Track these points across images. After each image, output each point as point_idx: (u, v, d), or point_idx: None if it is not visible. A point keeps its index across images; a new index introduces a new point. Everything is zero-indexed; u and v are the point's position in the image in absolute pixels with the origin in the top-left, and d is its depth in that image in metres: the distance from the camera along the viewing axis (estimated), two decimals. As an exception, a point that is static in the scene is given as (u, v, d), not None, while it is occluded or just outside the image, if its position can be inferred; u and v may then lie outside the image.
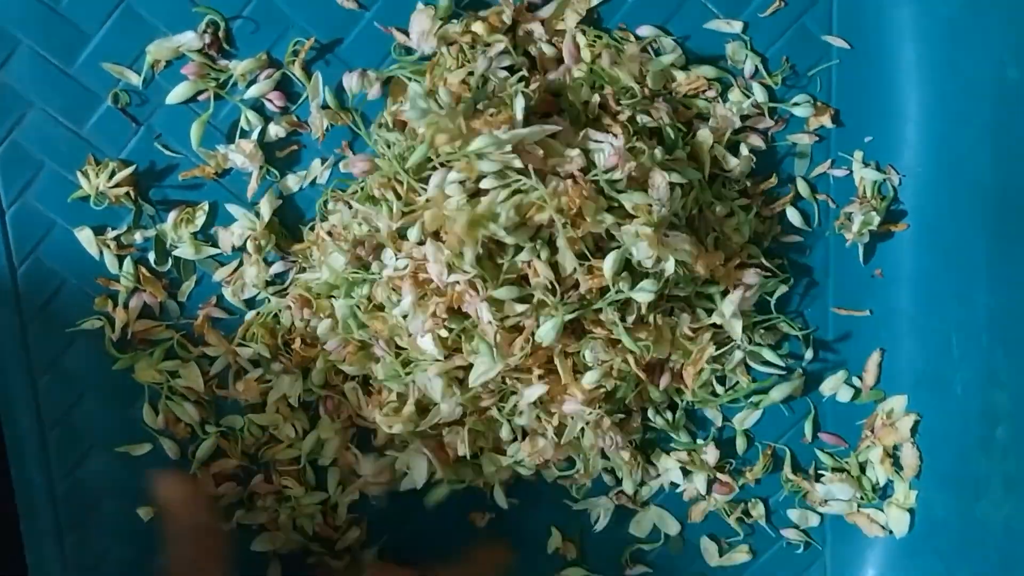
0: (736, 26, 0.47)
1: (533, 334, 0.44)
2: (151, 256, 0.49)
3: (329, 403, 0.49)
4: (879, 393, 0.51)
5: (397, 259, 0.44)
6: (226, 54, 0.47)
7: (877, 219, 0.48)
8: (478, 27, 0.46)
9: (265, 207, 0.48)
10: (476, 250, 0.42)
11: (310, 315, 0.47)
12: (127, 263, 0.48)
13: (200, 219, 0.48)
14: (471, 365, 0.44)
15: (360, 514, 0.51)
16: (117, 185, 0.47)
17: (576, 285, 0.44)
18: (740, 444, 0.51)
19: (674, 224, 0.45)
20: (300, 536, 0.50)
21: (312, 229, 0.48)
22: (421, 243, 0.44)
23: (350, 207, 0.47)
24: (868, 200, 0.49)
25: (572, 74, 0.46)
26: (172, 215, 0.48)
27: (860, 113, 0.49)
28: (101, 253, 0.48)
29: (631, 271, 0.44)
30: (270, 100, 0.47)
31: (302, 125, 0.48)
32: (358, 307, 0.46)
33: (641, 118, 0.45)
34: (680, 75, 0.47)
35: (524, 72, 0.45)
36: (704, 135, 0.47)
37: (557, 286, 0.43)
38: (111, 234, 0.48)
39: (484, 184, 0.43)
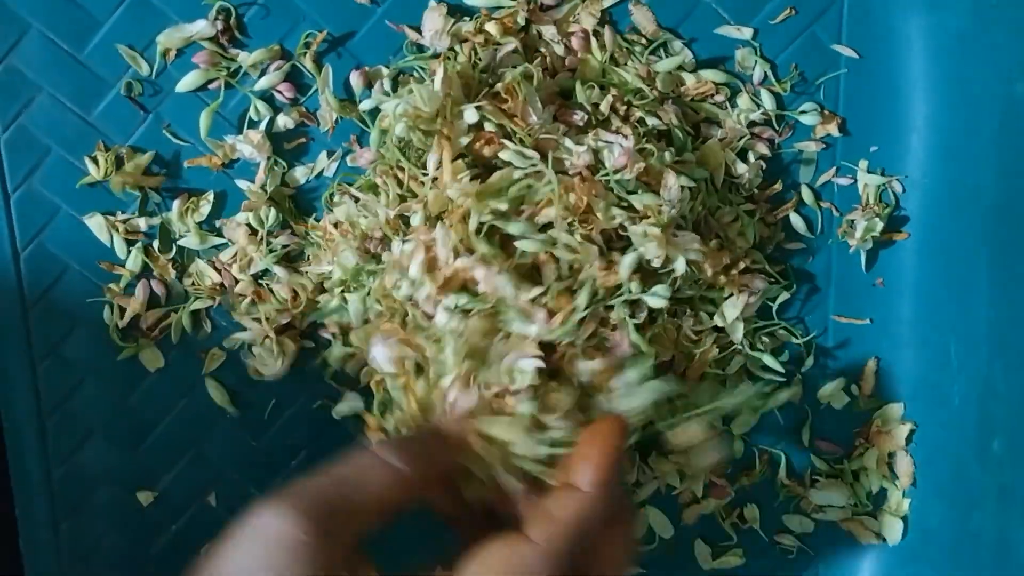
0: (746, 32, 0.48)
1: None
2: (155, 244, 0.49)
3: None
4: (876, 401, 0.52)
5: (404, 242, 0.44)
6: (237, 44, 0.47)
7: (880, 225, 0.49)
8: (491, 27, 0.46)
9: (270, 182, 0.48)
10: (479, 222, 0.42)
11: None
12: (135, 249, 0.48)
13: (205, 208, 0.48)
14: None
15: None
16: (145, 173, 0.48)
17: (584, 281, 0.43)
18: (737, 448, 0.52)
19: (680, 226, 0.45)
20: None
21: (319, 221, 0.48)
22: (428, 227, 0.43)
23: (357, 201, 0.47)
24: (871, 207, 0.49)
25: (584, 67, 0.46)
26: (177, 204, 0.48)
27: (866, 122, 0.49)
28: (111, 239, 0.48)
29: (641, 271, 0.44)
30: (280, 91, 0.47)
31: (311, 117, 0.48)
32: (369, 295, 0.46)
33: (650, 120, 0.46)
34: (690, 79, 0.48)
35: (531, 68, 0.45)
36: (714, 142, 0.47)
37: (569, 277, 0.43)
38: (120, 217, 0.48)
39: (502, 156, 0.43)
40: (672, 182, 0.43)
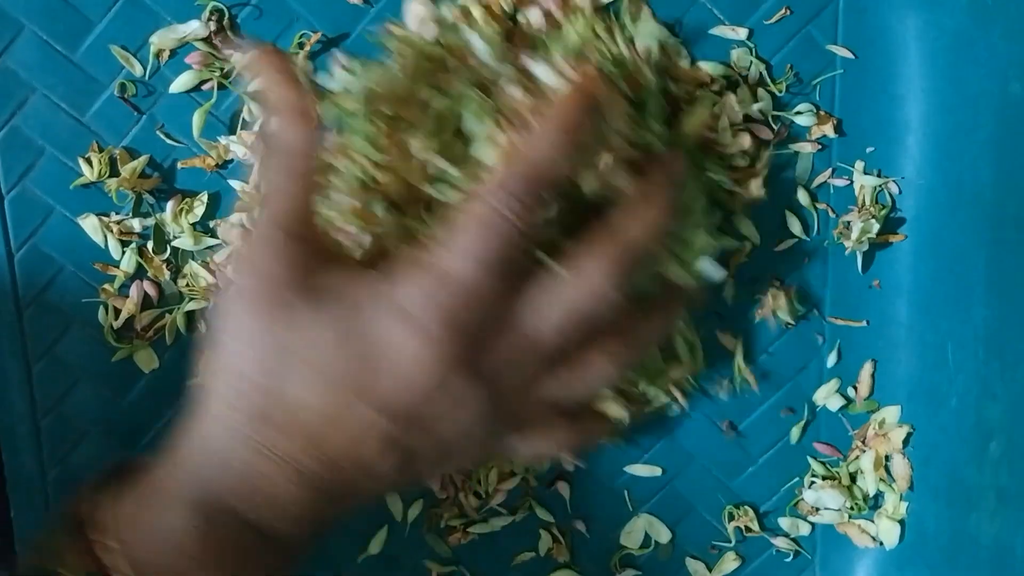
0: (741, 33, 0.47)
1: None
2: (149, 245, 0.49)
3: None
4: (872, 403, 0.52)
5: None
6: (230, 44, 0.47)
7: (876, 227, 0.48)
8: (476, 11, 0.45)
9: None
10: None
11: None
12: (130, 250, 0.48)
13: (199, 209, 0.48)
14: None
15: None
16: (140, 176, 0.48)
17: None
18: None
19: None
20: None
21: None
22: None
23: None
24: (867, 209, 0.49)
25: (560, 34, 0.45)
26: (171, 205, 0.48)
27: (862, 123, 0.49)
28: (106, 240, 0.48)
29: None
30: (273, 93, 0.47)
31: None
32: None
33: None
34: (683, 63, 0.47)
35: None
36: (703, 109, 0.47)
37: None
38: (114, 218, 0.48)
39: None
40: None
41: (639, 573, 0.53)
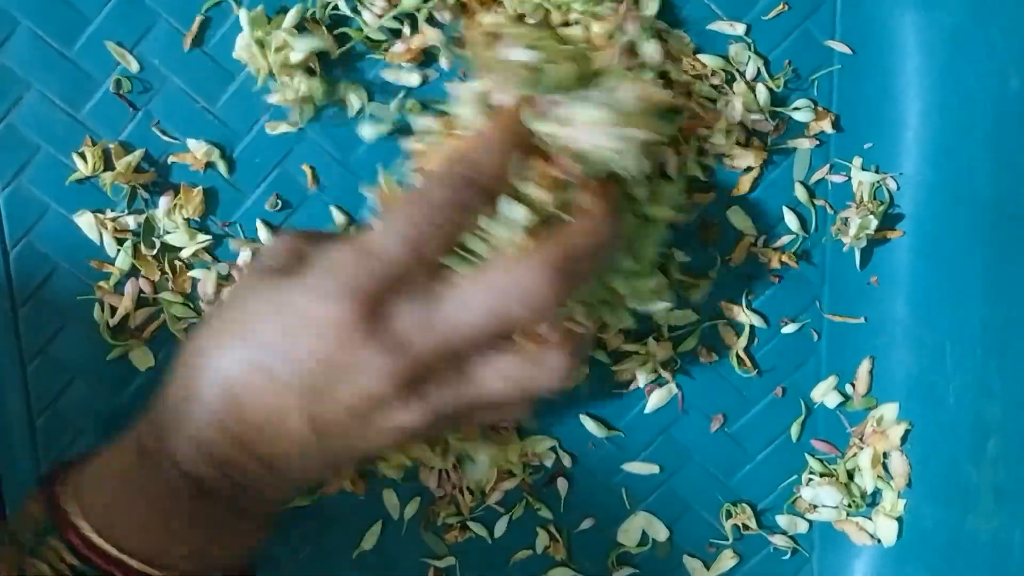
0: (739, 28, 0.47)
1: None
2: (140, 242, 0.49)
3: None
4: (870, 400, 0.51)
5: None
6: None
7: (874, 223, 0.48)
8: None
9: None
10: None
11: None
12: (125, 247, 0.48)
13: (194, 206, 0.48)
14: None
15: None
16: (136, 171, 0.48)
17: None
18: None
19: None
20: None
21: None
22: None
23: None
24: (865, 205, 0.49)
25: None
26: (164, 200, 0.48)
27: (860, 119, 0.48)
28: (101, 237, 0.48)
29: None
30: (269, 89, 0.47)
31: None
32: None
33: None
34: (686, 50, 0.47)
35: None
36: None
37: None
38: (109, 215, 0.48)
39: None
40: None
41: (636, 571, 0.53)
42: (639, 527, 0.52)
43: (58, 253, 0.49)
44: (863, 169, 0.49)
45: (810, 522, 0.53)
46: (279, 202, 0.49)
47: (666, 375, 0.50)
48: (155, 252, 0.49)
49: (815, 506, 0.52)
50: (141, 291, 0.49)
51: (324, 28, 0.46)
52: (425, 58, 0.47)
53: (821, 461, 0.52)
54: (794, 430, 0.52)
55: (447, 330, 0.40)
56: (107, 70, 0.47)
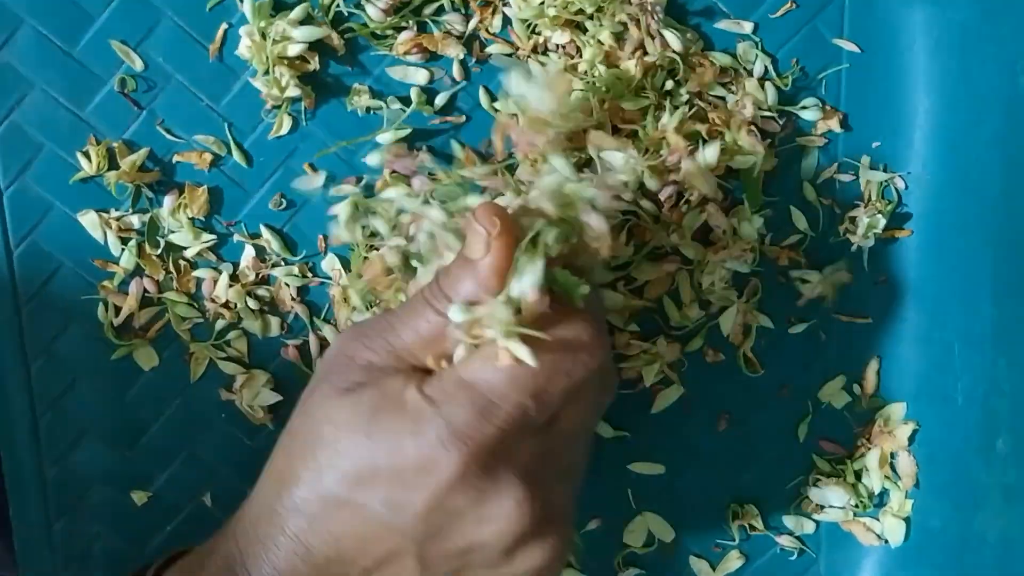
0: (747, 27, 0.47)
1: None
2: (144, 241, 0.48)
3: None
4: (878, 400, 0.51)
5: None
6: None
7: (882, 222, 0.48)
8: None
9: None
10: None
11: None
12: (130, 247, 0.48)
13: (199, 205, 0.48)
14: None
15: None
16: (140, 170, 0.47)
17: None
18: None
19: None
20: None
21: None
22: None
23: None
24: (873, 204, 0.48)
25: None
26: (168, 199, 0.48)
27: (868, 118, 0.48)
28: (105, 236, 0.48)
29: None
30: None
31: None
32: None
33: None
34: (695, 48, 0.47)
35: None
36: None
37: None
38: (113, 214, 0.48)
39: None
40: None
41: (643, 572, 0.52)
42: (645, 527, 0.52)
43: (62, 252, 0.48)
44: (871, 168, 0.49)
45: (817, 522, 0.52)
46: (283, 201, 0.48)
47: (673, 375, 0.50)
48: (159, 251, 0.48)
49: (822, 506, 0.52)
50: (145, 290, 0.49)
51: (328, 23, 0.46)
52: (430, 55, 0.47)
53: (828, 461, 0.52)
54: (801, 430, 0.51)
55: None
56: (111, 69, 0.47)
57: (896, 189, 0.49)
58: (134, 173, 0.47)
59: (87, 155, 0.47)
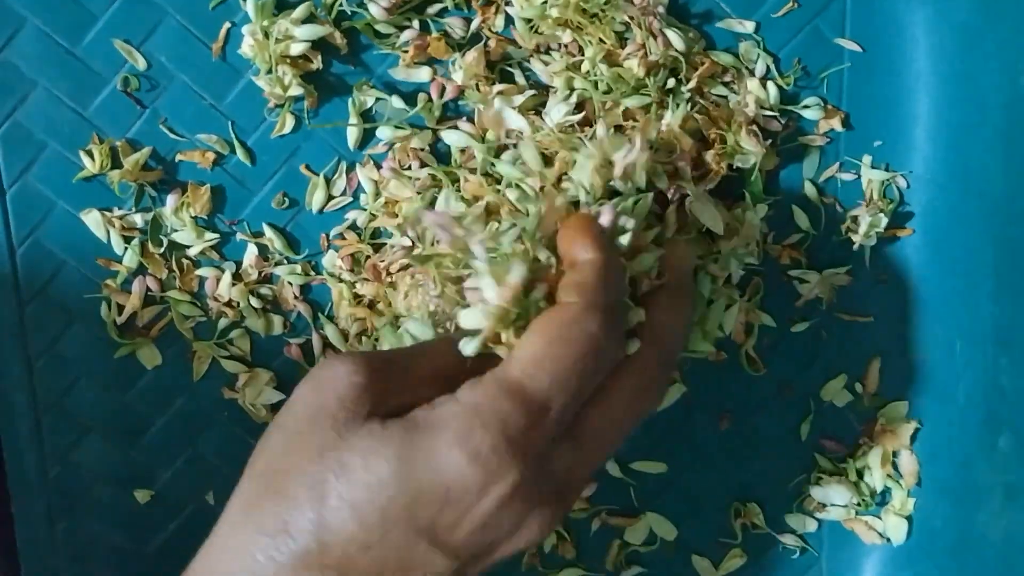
0: (748, 26, 0.47)
1: None
2: (147, 240, 0.48)
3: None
4: (880, 399, 0.51)
5: None
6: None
7: (884, 221, 0.48)
8: None
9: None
10: None
11: None
12: (132, 245, 0.48)
13: (202, 204, 0.48)
14: None
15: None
16: (143, 169, 0.47)
17: None
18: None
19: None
20: None
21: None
22: None
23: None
24: (875, 203, 0.48)
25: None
26: (171, 198, 0.48)
27: (870, 117, 0.48)
28: (108, 235, 0.48)
29: None
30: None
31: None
32: None
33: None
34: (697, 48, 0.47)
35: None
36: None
37: None
38: (116, 213, 0.48)
39: None
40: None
41: (644, 570, 0.52)
42: (647, 526, 0.52)
43: (65, 251, 0.48)
44: (873, 167, 0.49)
45: (819, 521, 0.52)
46: (286, 200, 0.48)
47: (675, 373, 0.50)
48: (162, 250, 0.48)
49: (824, 505, 0.52)
50: (148, 289, 0.49)
51: (330, 22, 0.46)
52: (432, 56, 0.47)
53: (830, 460, 0.52)
54: (803, 429, 0.51)
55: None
56: (114, 68, 0.47)
57: (898, 188, 0.49)
58: (137, 172, 0.47)
59: (90, 154, 0.47)
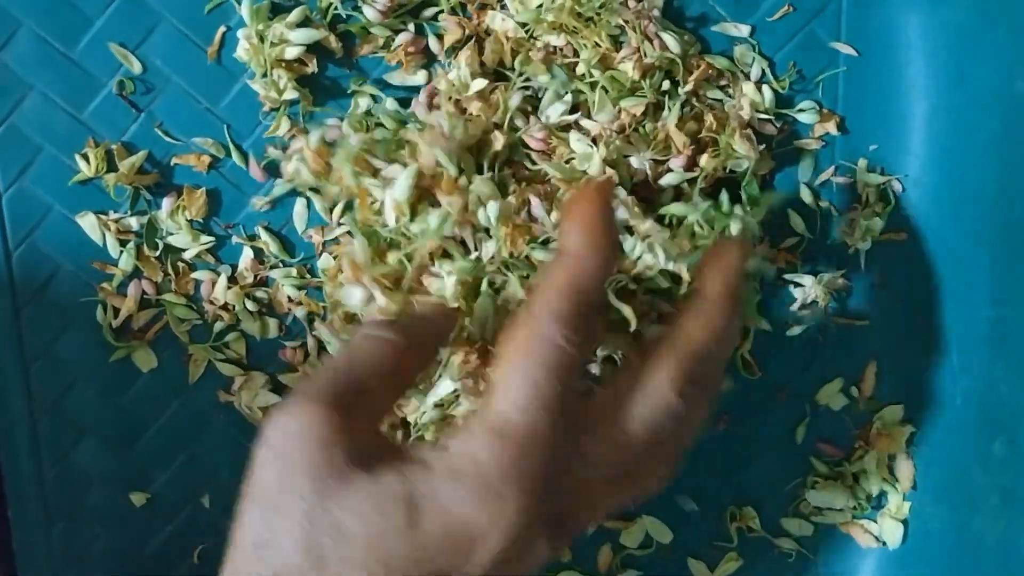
0: (744, 30, 0.47)
1: None
2: (143, 243, 0.48)
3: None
4: (876, 403, 0.51)
5: None
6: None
7: (880, 225, 0.48)
8: None
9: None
10: None
11: None
12: (128, 249, 0.48)
13: (197, 207, 0.48)
14: None
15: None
16: (138, 172, 0.47)
17: None
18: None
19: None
20: None
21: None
22: None
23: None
24: (871, 207, 0.48)
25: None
26: (167, 202, 0.48)
27: (866, 121, 0.48)
28: (104, 238, 0.48)
29: None
30: (272, 90, 0.47)
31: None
32: None
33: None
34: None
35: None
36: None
37: None
38: (112, 216, 0.48)
39: None
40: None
41: (640, 573, 0.52)
42: (643, 529, 0.52)
43: (61, 254, 0.48)
44: (868, 171, 0.49)
45: (815, 524, 0.52)
46: (267, 205, 0.48)
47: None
48: (158, 253, 0.48)
49: (820, 508, 0.52)
50: (144, 292, 0.49)
51: (325, 26, 0.46)
52: (428, 59, 0.47)
53: (826, 463, 0.52)
54: (799, 432, 0.51)
55: (600, 481, 0.37)
56: (110, 71, 0.47)
57: (893, 192, 0.49)
58: (133, 175, 0.47)
59: (86, 157, 0.47)
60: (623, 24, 0.45)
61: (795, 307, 0.49)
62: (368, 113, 0.47)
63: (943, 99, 0.47)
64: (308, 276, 0.49)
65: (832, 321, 0.50)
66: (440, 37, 0.47)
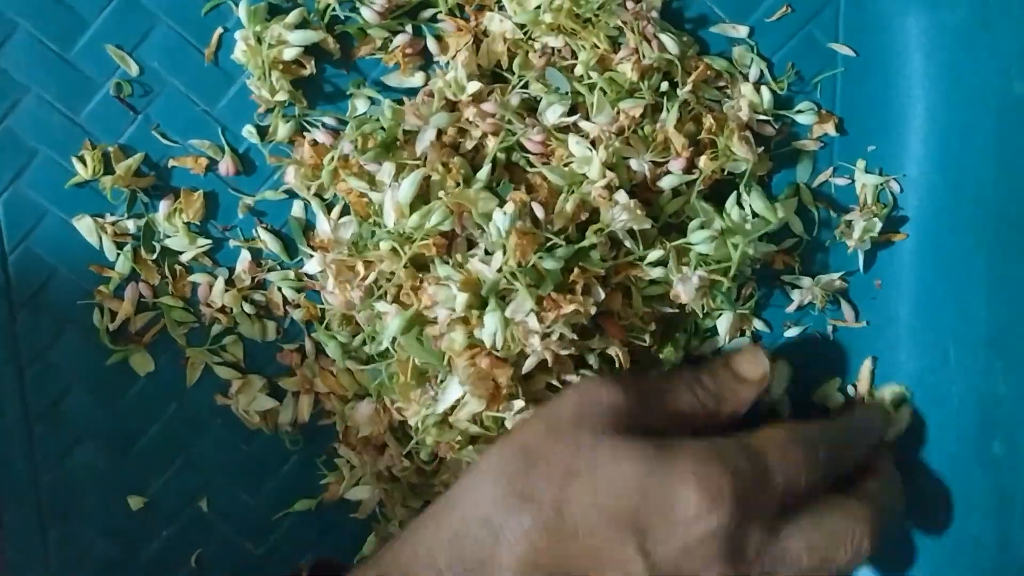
0: (742, 31, 0.47)
1: None
2: (140, 246, 0.48)
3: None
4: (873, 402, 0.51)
5: None
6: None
7: (878, 226, 0.48)
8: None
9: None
10: None
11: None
12: (125, 251, 0.48)
13: (194, 210, 0.48)
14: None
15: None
16: (135, 175, 0.47)
17: None
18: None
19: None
20: None
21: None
22: None
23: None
24: (869, 208, 0.48)
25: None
26: (164, 204, 0.48)
27: (864, 122, 0.48)
28: (100, 241, 0.48)
29: None
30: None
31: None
32: None
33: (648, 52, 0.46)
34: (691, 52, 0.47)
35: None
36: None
37: None
38: (108, 219, 0.48)
39: None
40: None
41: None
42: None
43: (57, 257, 0.48)
44: (867, 172, 0.49)
45: (814, 526, 0.52)
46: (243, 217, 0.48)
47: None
48: (155, 256, 0.48)
49: (819, 509, 0.52)
50: (141, 295, 0.49)
51: (323, 27, 0.46)
52: (426, 60, 0.47)
53: (825, 464, 0.52)
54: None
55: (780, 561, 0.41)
56: (106, 73, 0.47)
57: (891, 192, 0.49)
58: (129, 178, 0.47)
59: (82, 160, 0.47)
60: (621, 25, 0.45)
61: (792, 308, 0.49)
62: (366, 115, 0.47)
63: (941, 100, 0.47)
64: (306, 279, 0.49)
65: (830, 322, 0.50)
66: (438, 38, 0.46)
